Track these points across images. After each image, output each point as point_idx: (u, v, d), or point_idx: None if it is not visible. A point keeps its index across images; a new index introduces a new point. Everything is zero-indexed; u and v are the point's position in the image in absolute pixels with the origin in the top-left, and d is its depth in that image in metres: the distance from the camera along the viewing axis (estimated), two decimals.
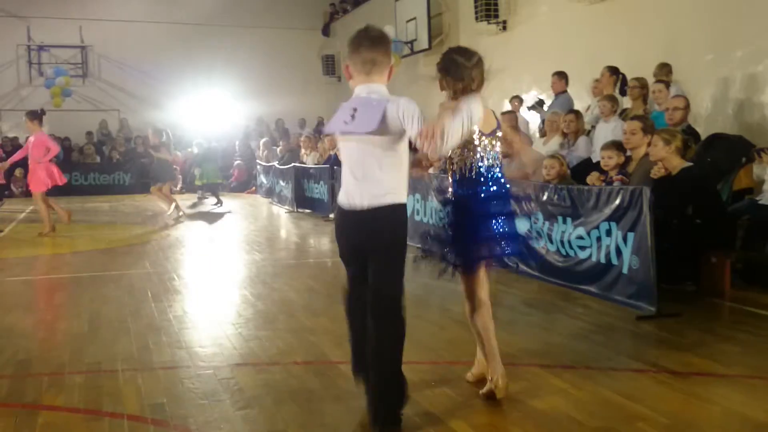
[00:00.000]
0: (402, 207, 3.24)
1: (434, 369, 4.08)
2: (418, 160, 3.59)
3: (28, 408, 3.60)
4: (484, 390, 3.62)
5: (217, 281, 7.25)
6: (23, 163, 11.17)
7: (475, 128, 3.51)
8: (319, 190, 13.08)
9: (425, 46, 15.43)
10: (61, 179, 10.99)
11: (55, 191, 14.44)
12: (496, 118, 3.73)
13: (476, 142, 3.61)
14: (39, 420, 3.44)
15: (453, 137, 3.04)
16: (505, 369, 3.62)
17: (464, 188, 3.66)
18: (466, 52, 3.72)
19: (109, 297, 6.27)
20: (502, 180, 3.68)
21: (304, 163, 14.38)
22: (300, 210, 13.66)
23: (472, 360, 4.25)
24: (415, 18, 15.62)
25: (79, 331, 5.12)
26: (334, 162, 12.86)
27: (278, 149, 17.30)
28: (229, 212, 14.36)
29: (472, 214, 3.62)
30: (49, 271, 7.93)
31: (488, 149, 3.64)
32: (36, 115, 10.69)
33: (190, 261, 8.70)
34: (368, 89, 3.25)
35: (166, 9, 20.68)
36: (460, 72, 3.64)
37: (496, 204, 3.63)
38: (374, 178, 3.19)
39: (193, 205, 15.73)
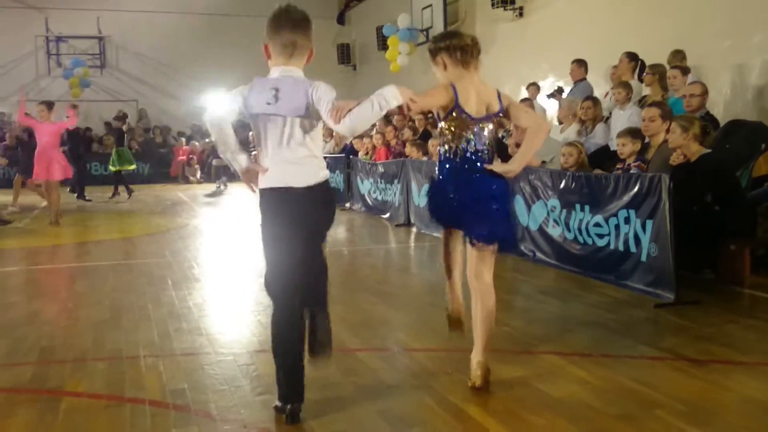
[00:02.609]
0: (328, 182, 3.37)
1: (451, 356, 4.10)
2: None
3: (51, 394, 3.66)
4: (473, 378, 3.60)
5: (235, 269, 7.31)
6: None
7: (463, 114, 3.57)
8: (335, 179, 13.10)
9: None
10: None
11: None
12: (500, 102, 3.67)
13: (465, 126, 3.60)
14: (62, 405, 3.50)
15: (360, 118, 3.12)
16: (522, 356, 3.63)
17: (450, 170, 3.66)
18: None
19: (130, 285, 6.35)
20: (483, 165, 3.63)
21: None
22: None
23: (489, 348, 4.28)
24: (430, 5, 15.53)
25: (101, 318, 5.19)
26: (350, 151, 12.89)
27: None
28: (245, 200, 14.43)
29: (454, 197, 3.63)
30: (71, 259, 8.03)
31: (479, 133, 3.62)
32: (52, 106, 10.88)
33: (208, 249, 8.77)
34: (286, 71, 3.25)
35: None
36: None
37: (476, 189, 3.60)
38: (304, 157, 3.24)
39: (212, 194, 15.83)
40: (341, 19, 22.39)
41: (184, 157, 19.79)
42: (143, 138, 20.76)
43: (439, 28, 15.31)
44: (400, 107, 3.28)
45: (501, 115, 3.69)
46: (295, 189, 3.23)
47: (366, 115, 3.13)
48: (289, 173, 3.24)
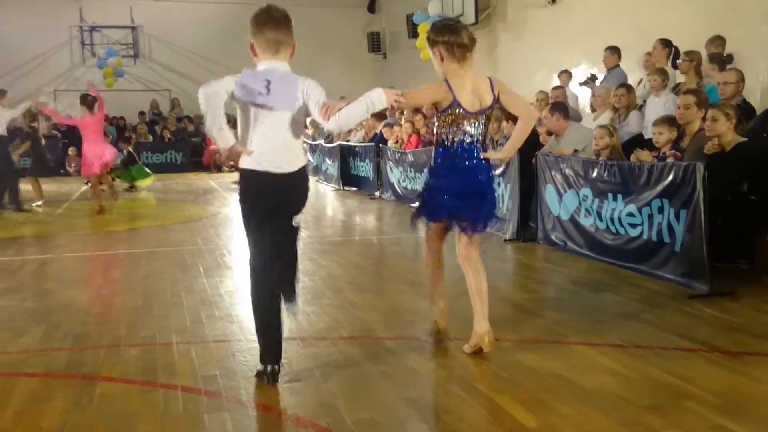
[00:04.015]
0: (305, 168, 3.67)
1: None
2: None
3: (87, 379, 3.73)
4: (470, 345, 3.92)
5: None
6: (77, 142, 11.44)
7: (460, 110, 3.81)
8: (364, 168, 13.11)
9: (472, 20, 15.22)
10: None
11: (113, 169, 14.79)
12: (494, 93, 3.90)
13: (461, 120, 3.85)
14: (97, 390, 3.57)
15: (348, 118, 3.46)
16: (553, 347, 3.62)
17: (445, 160, 3.92)
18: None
19: (163, 272, 6.43)
20: (479, 155, 3.92)
21: (349, 141, 14.44)
22: (346, 188, 13.73)
23: (517, 337, 4.27)
24: None
25: (134, 305, 5.27)
26: (380, 140, 12.88)
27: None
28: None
29: (448, 186, 3.90)
30: (106, 247, 8.16)
31: (473, 126, 3.87)
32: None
33: (240, 238, 8.84)
34: (274, 65, 3.52)
35: None
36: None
37: (469, 178, 3.89)
38: (289, 145, 3.54)
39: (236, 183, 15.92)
40: (372, 8, 22.33)
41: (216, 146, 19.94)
42: (176, 127, 20.95)
43: (470, 15, 15.19)
44: (390, 108, 3.65)
45: (494, 106, 3.94)
46: (274, 174, 3.51)
47: (354, 115, 3.49)
48: (271, 159, 3.51)
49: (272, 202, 3.58)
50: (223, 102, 3.52)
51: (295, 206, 3.67)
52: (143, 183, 14.66)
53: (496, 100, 3.91)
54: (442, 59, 3.85)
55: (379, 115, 13.90)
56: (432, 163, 4.04)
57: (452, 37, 3.80)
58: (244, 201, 3.66)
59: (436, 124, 3.97)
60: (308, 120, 3.84)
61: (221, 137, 3.50)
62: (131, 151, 14.93)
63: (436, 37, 3.84)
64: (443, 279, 4.34)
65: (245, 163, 3.57)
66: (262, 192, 3.58)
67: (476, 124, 3.87)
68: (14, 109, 11.10)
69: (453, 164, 3.91)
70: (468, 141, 3.88)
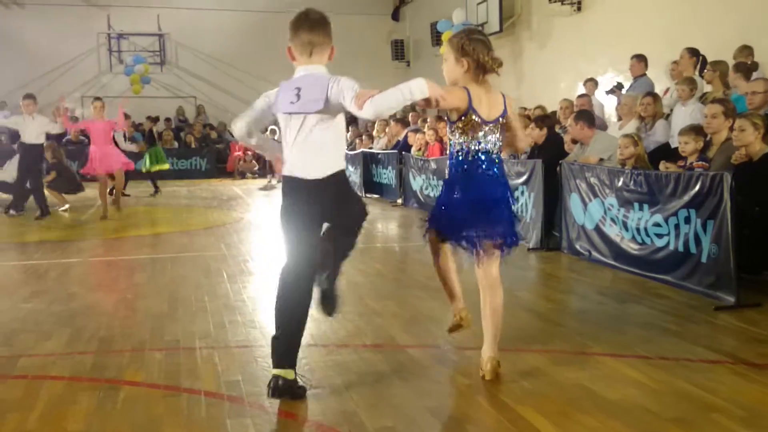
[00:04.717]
0: (344, 172, 3.65)
1: (503, 355, 4.05)
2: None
3: (110, 383, 3.76)
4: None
5: None
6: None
7: (476, 118, 3.67)
8: (387, 175, 13.12)
9: (496, 28, 15.21)
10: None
11: (138, 175, 14.97)
12: (506, 106, 3.77)
13: (477, 129, 3.70)
14: (121, 394, 3.60)
15: (382, 103, 3.30)
16: (577, 357, 3.58)
17: (459, 170, 3.77)
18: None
19: (186, 277, 6.48)
20: (496, 168, 3.78)
21: (372, 148, 14.47)
22: (368, 195, 13.74)
23: (540, 347, 4.24)
24: (486, 0, 15.40)
25: (158, 309, 5.31)
26: (403, 147, 12.89)
27: (347, 134, 17.44)
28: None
29: (463, 198, 3.75)
30: (130, 252, 8.23)
31: (488, 136, 3.73)
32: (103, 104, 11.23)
33: (262, 243, 8.89)
34: (308, 70, 3.51)
35: None
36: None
37: (486, 189, 3.74)
38: (321, 150, 3.49)
39: (264, 188, 16.08)
40: (396, 15, 22.40)
41: (240, 153, 20.09)
42: (201, 134, 21.14)
43: (494, 23, 15.18)
44: (427, 100, 3.40)
45: (505, 116, 3.80)
46: (305, 180, 3.51)
47: (390, 99, 3.32)
48: (302, 165, 3.52)
49: (304, 210, 3.55)
50: (255, 130, 3.72)
51: (328, 214, 3.61)
52: (161, 167, 15.25)
53: (507, 113, 3.77)
54: (465, 69, 3.69)
55: (403, 122, 13.93)
56: (446, 176, 3.87)
57: (487, 56, 3.64)
58: (280, 207, 3.68)
59: (450, 133, 3.81)
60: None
61: (265, 151, 3.75)
62: (153, 130, 15.72)
63: (469, 47, 3.65)
64: (457, 283, 4.10)
65: (283, 170, 3.62)
66: (294, 199, 3.57)
67: (490, 134, 3.72)
68: (54, 123, 10.99)
69: (466, 176, 3.74)
70: (483, 151, 3.72)
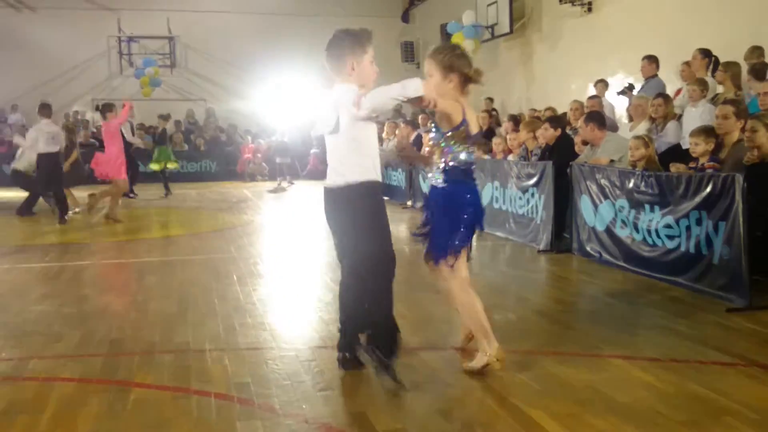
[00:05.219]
0: (364, 184, 3.67)
1: (511, 357, 4.05)
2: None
3: (120, 385, 3.78)
4: (472, 364, 3.81)
5: (298, 266, 7.39)
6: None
7: (468, 130, 3.78)
8: (396, 177, 13.12)
9: (506, 30, 15.20)
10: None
11: (149, 178, 14.98)
12: (464, 115, 3.80)
13: (466, 141, 3.81)
14: (131, 396, 3.60)
15: (374, 98, 3.46)
16: (587, 360, 3.57)
17: (432, 184, 3.96)
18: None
19: (197, 280, 6.49)
20: (457, 177, 3.85)
21: (383, 150, 14.46)
22: None
23: (550, 350, 4.22)
24: (496, 2, 15.37)
25: (168, 312, 5.32)
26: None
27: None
28: (308, 197, 14.60)
29: (433, 210, 3.97)
30: (141, 254, 8.26)
31: (471, 148, 3.86)
32: (106, 108, 11.22)
33: (272, 246, 8.91)
34: (335, 88, 3.71)
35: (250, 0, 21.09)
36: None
37: (445, 200, 3.87)
38: (344, 160, 3.68)
39: (274, 191, 16.13)
40: (406, 17, 22.40)
41: (250, 155, 20.12)
42: (210, 137, 21.18)
43: (504, 25, 15.15)
44: (421, 99, 3.48)
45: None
46: (326, 188, 3.75)
47: (383, 94, 3.46)
48: (329, 174, 3.77)
49: (326, 216, 3.80)
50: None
51: (337, 222, 3.76)
52: (170, 166, 15.46)
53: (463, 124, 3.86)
54: (455, 84, 3.79)
55: (413, 123, 13.93)
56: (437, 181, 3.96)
57: (471, 70, 3.80)
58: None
59: (442, 144, 3.83)
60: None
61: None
62: (165, 129, 15.87)
63: (457, 63, 3.78)
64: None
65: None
66: (325, 205, 3.80)
67: (469, 149, 3.84)
68: (59, 138, 11.07)
69: (432, 187, 3.95)
70: (468, 162, 3.84)
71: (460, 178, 3.84)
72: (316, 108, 3.77)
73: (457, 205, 3.83)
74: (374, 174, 3.69)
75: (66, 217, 10.79)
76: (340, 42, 3.67)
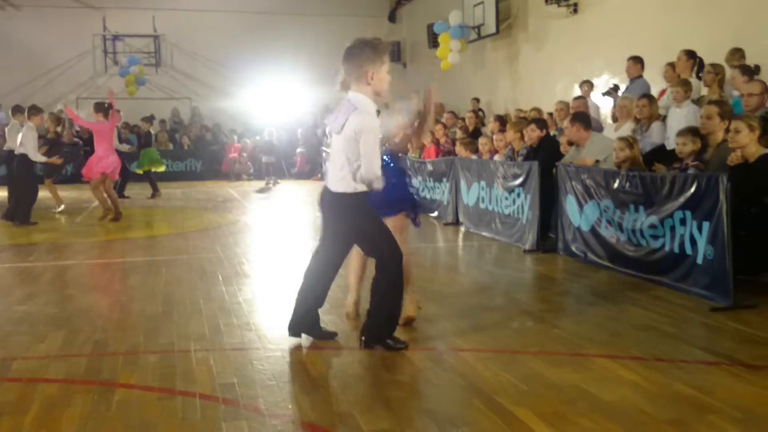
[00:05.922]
0: (351, 195, 4.07)
1: (499, 357, 4.06)
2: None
3: (105, 385, 3.75)
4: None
5: (284, 266, 7.37)
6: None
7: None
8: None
9: (493, 30, 15.23)
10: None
11: (135, 177, 14.85)
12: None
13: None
14: (115, 397, 3.58)
15: (367, 171, 3.98)
16: (573, 359, 3.58)
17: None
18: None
19: (181, 280, 6.46)
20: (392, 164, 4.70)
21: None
22: None
23: (536, 349, 4.24)
24: (482, 2, 15.40)
25: (153, 312, 5.29)
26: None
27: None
28: (294, 197, 14.57)
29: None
30: (125, 254, 8.21)
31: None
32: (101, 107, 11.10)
33: (258, 246, 8.88)
34: (350, 95, 4.00)
35: None
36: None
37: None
38: (342, 166, 3.99)
39: (261, 190, 16.07)
40: (392, 17, 22.41)
41: (236, 155, 20.05)
42: (195, 136, 21.08)
43: (491, 25, 15.19)
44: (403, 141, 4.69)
45: None
46: (326, 188, 4.14)
47: (370, 165, 3.94)
48: (328, 175, 4.14)
49: (322, 214, 4.24)
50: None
51: (330, 223, 4.22)
52: (157, 169, 15.33)
53: None
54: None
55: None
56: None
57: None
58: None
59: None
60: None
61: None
62: (150, 131, 15.80)
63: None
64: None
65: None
66: (320, 205, 4.27)
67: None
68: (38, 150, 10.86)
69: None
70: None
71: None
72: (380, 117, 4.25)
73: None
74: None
75: (24, 224, 10.52)
76: (360, 52, 3.93)
